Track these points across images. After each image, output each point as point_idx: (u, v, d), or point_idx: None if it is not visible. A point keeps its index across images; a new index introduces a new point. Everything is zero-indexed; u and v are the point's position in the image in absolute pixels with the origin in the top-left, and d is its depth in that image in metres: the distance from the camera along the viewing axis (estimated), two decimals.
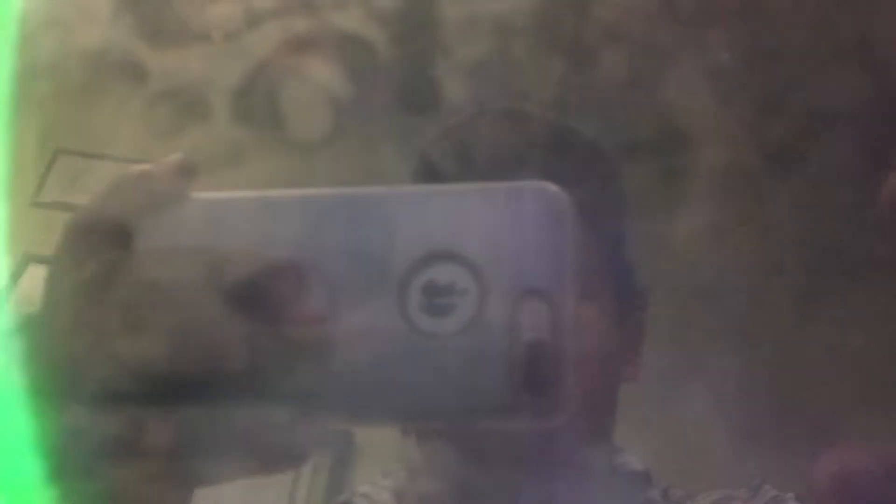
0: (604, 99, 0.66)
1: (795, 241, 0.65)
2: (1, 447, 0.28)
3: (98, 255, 0.27)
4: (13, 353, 0.27)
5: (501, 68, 0.66)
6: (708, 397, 0.60)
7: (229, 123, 0.68)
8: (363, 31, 0.67)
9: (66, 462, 0.27)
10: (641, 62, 0.66)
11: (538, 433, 0.29)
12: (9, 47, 0.64)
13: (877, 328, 0.62)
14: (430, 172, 0.51)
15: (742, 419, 0.59)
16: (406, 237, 0.29)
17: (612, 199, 0.52)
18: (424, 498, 0.49)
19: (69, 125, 0.69)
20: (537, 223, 0.28)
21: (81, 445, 0.27)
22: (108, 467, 0.27)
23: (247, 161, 0.66)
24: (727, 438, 0.59)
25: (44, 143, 0.66)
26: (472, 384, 0.28)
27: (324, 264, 0.28)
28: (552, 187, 0.29)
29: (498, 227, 0.29)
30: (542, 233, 0.28)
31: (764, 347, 0.63)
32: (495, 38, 0.66)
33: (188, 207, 0.29)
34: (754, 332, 0.63)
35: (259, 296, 0.28)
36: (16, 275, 0.63)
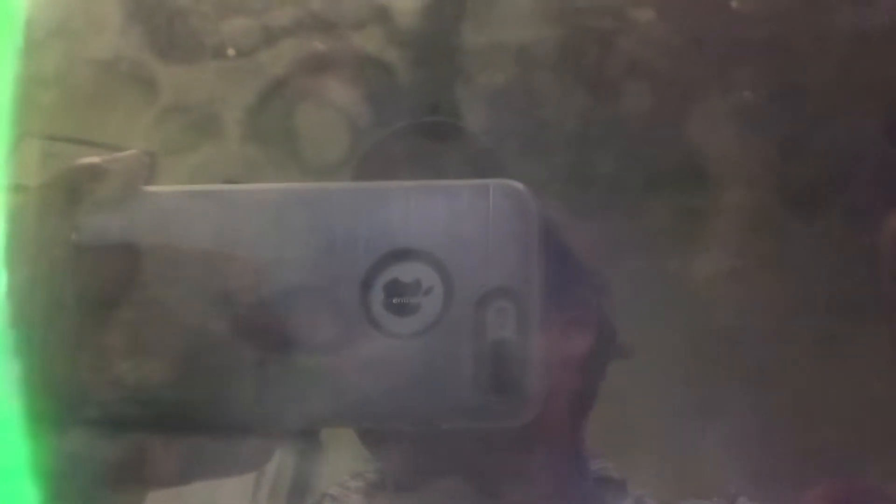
0: (625, 133, 0.65)
1: (816, 283, 0.64)
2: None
3: (43, 246, 0.27)
4: (11, 375, 0.27)
5: (522, 97, 0.65)
6: (726, 438, 0.59)
7: (242, 142, 0.67)
8: (382, 54, 0.66)
9: (65, 489, 0.26)
10: (664, 97, 0.66)
11: (508, 436, 0.28)
12: (12, 54, 0.63)
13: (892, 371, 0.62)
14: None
15: (761, 461, 0.58)
16: (369, 234, 0.28)
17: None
18: (396, 500, 0.49)
19: (75, 136, 0.67)
20: (503, 221, 0.28)
21: (81, 472, 0.26)
22: (108, 495, 0.26)
23: (260, 181, 0.64)
24: (746, 481, 0.58)
25: (47, 153, 0.64)
26: (436, 384, 0.27)
27: (283, 260, 0.27)
28: (518, 185, 0.28)
29: (463, 225, 0.28)
30: (508, 231, 0.28)
31: (784, 390, 0.62)
32: (517, 66, 0.65)
33: (142, 201, 0.28)
34: (774, 375, 0.63)
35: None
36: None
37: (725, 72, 0.66)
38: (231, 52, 0.67)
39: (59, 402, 0.27)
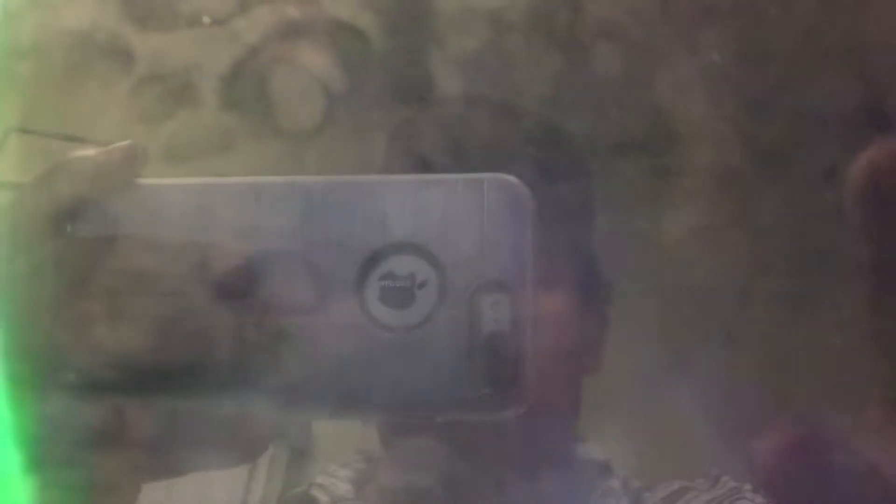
0: (597, 96, 0.66)
1: (784, 242, 0.65)
2: None
3: (38, 240, 0.27)
4: None
5: (495, 62, 0.66)
6: (694, 396, 0.60)
7: (217, 110, 0.67)
8: (356, 20, 0.67)
9: (45, 452, 0.27)
10: (634, 60, 0.66)
11: (498, 424, 0.29)
12: None
13: (862, 329, 0.63)
14: (420, 166, 0.51)
15: (727, 418, 0.60)
16: (364, 227, 0.28)
17: (586, 192, 0.53)
18: (385, 489, 0.49)
19: (51, 108, 0.68)
20: (497, 214, 0.28)
21: (61, 435, 0.26)
22: (88, 458, 0.26)
23: (235, 149, 0.65)
24: (712, 436, 0.59)
25: (25, 125, 0.65)
26: (431, 377, 0.28)
27: (277, 253, 0.28)
28: (512, 179, 0.29)
29: (457, 218, 0.28)
30: (503, 224, 0.28)
31: (750, 347, 0.64)
32: (489, 30, 0.65)
33: (133, 194, 0.28)
34: (741, 332, 0.64)
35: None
36: None
37: (693, 34, 0.66)
38: (206, 19, 0.67)
39: (38, 367, 0.28)
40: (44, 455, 0.26)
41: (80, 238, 0.27)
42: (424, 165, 0.50)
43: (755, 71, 0.66)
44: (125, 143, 0.28)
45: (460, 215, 0.28)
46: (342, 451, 0.54)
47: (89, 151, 0.28)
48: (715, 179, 0.66)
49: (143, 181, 0.29)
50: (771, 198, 0.66)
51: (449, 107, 0.61)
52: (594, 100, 0.66)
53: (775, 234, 0.66)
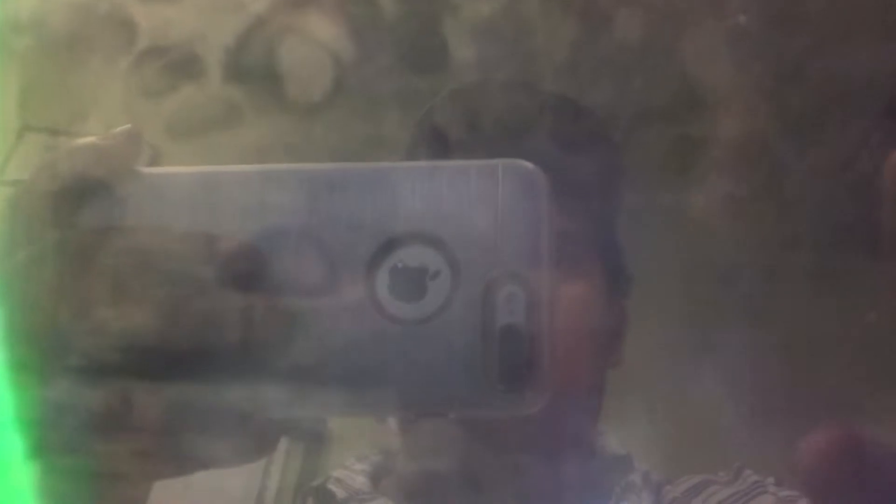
0: (618, 64, 0.63)
1: (812, 214, 0.63)
2: None
3: (40, 231, 0.26)
4: None
5: (511, 29, 0.63)
6: (719, 375, 0.58)
7: (223, 83, 0.65)
8: None
9: (48, 438, 0.26)
10: (657, 25, 0.64)
11: (520, 418, 0.27)
12: None
13: (892, 305, 0.61)
14: (434, 137, 0.49)
15: (753, 398, 0.58)
16: (374, 217, 0.27)
17: (609, 175, 0.51)
18: (402, 481, 0.48)
19: (52, 82, 0.66)
20: (512, 202, 0.26)
21: (65, 420, 0.26)
22: (93, 443, 0.25)
23: (242, 123, 0.63)
24: (738, 418, 0.57)
25: (25, 100, 0.63)
26: (443, 372, 0.26)
27: (285, 243, 0.26)
28: (527, 164, 0.27)
29: (470, 207, 0.27)
30: (517, 212, 0.26)
31: (777, 324, 0.61)
32: None
33: (135, 183, 0.27)
34: (768, 308, 0.62)
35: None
36: None
37: None
38: None
39: (41, 351, 0.27)
40: (48, 441, 0.26)
41: (85, 223, 0.27)
42: (446, 144, 0.49)
43: (784, 35, 0.64)
44: (126, 126, 0.28)
45: (473, 203, 0.26)
46: (358, 444, 0.53)
47: (90, 138, 0.28)
48: (742, 149, 0.63)
49: (145, 169, 0.28)
50: (800, 168, 0.64)
51: (466, 80, 0.59)
52: (615, 67, 0.64)
53: (805, 206, 0.63)
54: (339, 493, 0.50)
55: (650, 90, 0.63)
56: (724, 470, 0.50)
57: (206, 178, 0.28)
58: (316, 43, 0.65)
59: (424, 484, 0.47)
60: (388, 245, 0.27)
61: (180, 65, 0.65)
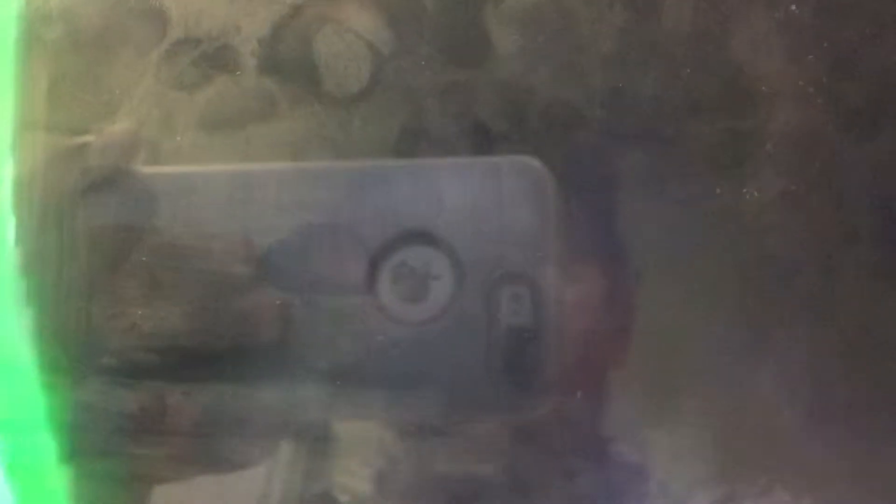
0: (666, 54, 0.62)
1: (870, 209, 0.60)
2: (14, 425, 0.26)
3: (40, 227, 0.26)
4: (23, 325, 0.26)
5: (556, 18, 0.62)
6: (777, 376, 0.56)
7: (258, 75, 0.64)
8: None
9: (82, 440, 0.25)
10: (707, 14, 0.62)
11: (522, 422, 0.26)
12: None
13: None
14: (479, 131, 0.48)
15: (813, 399, 0.56)
16: (376, 216, 0.26)
17: (645, 171, 0.50)
18: (408, 488, 0.48)
19: (80, 75, 0.65)
20: (517, 200, 0.26)
21: (98, 423, 0.25)
22: (127, 446, 0.25)
23: (277, 115, 0.61)
24: (797, 419, 0.55)
25: (54, 92, 0.62)
26: (447, 375, 0.25)
27: (285, 242, 0.26)
28: (533, 162, 0.26)
29: (474, 205, 0.26)
30: (522, 212, 0.26)
31: (836, 322, 0.59)
32: None
33: (137, 182, 0.27)
34: (826, 306, 0.59)
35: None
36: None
37: None
38: None
39: (73, 352, 0.26)
40: (81, 444, 0.25)
41: (86, 223, 0.26)
42: (482, 132, 0.47)
43: (838, 23, 0.62)
44: (122, 126, 0.27)
45: (477, 202, 0.26)
46: (363, 450, 0.52)
47: (87, 139, 0.27)
48: (797, 142, 0.61)
49: (144, 169, 0.27)
50: (858, 161, 0.62)
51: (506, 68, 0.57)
52: (663, 57, 0.62)
53: (863, 200, 0.61)
54: (344, 498, 0.50)
55: (701, 81, 0.61)
56: (748, 483, 0.49)
57: (204, 178, 0.27)
58: (353, 33, 0.63)
59: (466, 481, 0.46)
60: (391, 244, 0.26)
61: (213, 56, 0.64)
